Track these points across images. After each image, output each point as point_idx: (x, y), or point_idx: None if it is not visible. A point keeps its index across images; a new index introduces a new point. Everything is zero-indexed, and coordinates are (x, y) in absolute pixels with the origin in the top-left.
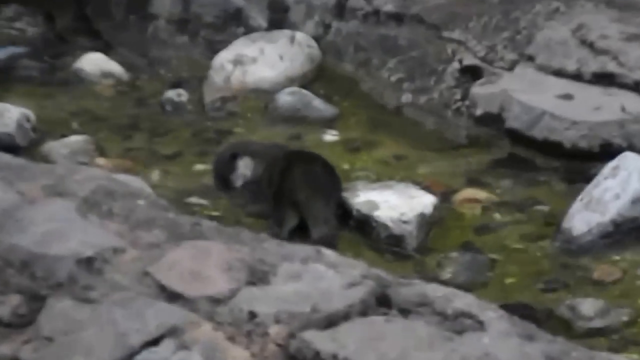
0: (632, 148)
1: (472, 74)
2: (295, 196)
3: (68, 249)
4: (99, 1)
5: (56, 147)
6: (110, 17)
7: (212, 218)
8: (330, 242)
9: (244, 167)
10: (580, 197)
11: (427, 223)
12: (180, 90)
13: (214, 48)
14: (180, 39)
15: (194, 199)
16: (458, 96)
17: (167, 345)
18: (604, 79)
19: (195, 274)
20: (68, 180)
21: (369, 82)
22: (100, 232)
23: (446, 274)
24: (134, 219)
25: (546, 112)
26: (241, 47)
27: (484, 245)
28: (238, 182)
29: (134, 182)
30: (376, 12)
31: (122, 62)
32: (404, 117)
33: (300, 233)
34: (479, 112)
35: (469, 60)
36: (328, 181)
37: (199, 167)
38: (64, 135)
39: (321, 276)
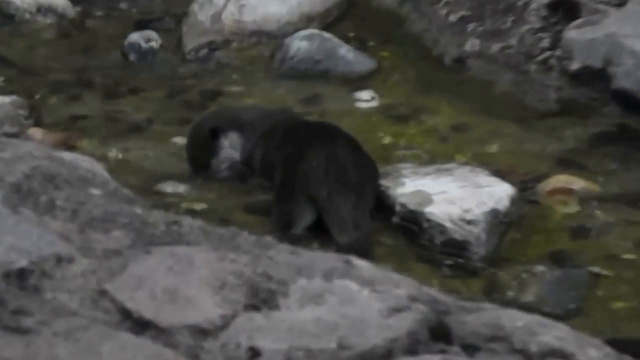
0: None
1: (565, 11)
2: (311, 190)
3: None
4: None
5: None
6: None
7: (195, 214)
8: (362, 250)
9: (230, 148)
10: None
11: (501, 223)
12: (150, 33)
13: None
14: None
15: (169, 187)
16: (545, 43)
17: None
18: None
19: (172, 294)
20: None
21: (418, 22)
22: (38, 234)
23: (529, 296)
24: (85, 216)
25: None
26: None
27: (582, 255)
28: (221, 169)
29: (85, 162)
30: None
31: None
32: (469, 72)
33: (320, 236)
34: (574, 66)
35: None
36: (358, 167)
37: (177, 141)
38: None
39: (352, 298)
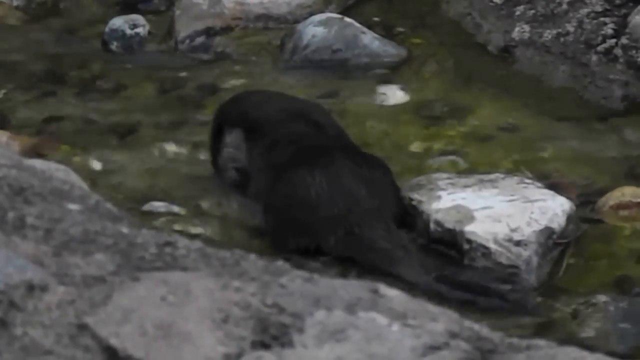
0: None
1: None
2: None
3: None
4: None
5: None
6: None
7: (192, 236)
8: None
9: (232, 148)
10: None
11: (555, 245)
12: (136, 17)
13: None
14: None
15: (160, 204)
16: (609, 30)
17: None
18: None
19: (165, 329)
20: None
21: (457, 4)
22: (5, 257)
23: (589, 331)
24: (61, 236)
25: None
26: None
27: None
28: (226, 171)
29: (60, 172)
30: None
31: None
32: (517, 64)
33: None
34: None
35: None
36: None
37: (169, 148)
38: None
39: (380, 334)
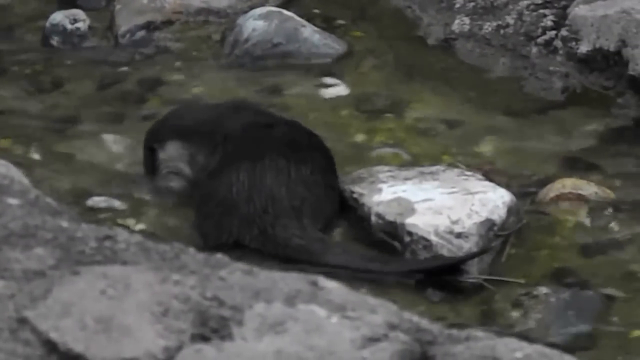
0: None
1: None
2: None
3: None
4: None
5: None
6: None
7: (132, 230)
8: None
9: (171, 160)
10: None
11: (496, 237)
12: (77, 12)
13: None
14: None
15: (101, 200)
16: (548, 22)
17: None
18: None
19: (105, 323)
20: None
21: None
22: None
23: (530, 322)
24: (1, 230)
25: None
26: None
27: (593, 275)
28: (169, 185)
29: (0, 167)
30: None
31: None
32: (457, 56)
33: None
34: (584, 48)
35: None
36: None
37: (110, 143)
38: None
39: (319, 326)
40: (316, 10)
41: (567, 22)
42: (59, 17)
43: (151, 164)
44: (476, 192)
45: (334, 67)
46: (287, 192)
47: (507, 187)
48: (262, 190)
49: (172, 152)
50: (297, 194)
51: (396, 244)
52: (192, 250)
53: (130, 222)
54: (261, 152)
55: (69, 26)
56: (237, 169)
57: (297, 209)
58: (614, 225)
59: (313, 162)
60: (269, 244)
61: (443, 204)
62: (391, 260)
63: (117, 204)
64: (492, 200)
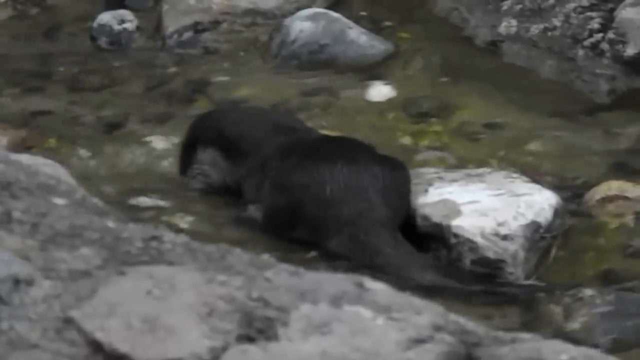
0: None
1: None
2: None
3: None
4: None
5: None
6: None
7: (178, 230)
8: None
9: (207, 164)
10: None
11: (542, 239)
12: (124, 13)
13: None
14: None
15: (147, 199)
16: (595, 24)
17: None
18: None
19: (151, 323)
20: None
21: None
22: None
23: (576, 324)
24: (48, 230)
25: None
26: None
27: (638, 277)
28: (193, 183)
29: (47, 167)
30: None
31: None
32: (504, 58)
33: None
34: (630, 51)
35: None
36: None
37: (157, 143)
38: None
39: (364, 327)
40: (363, 13)
41: (613, 24)
42: (106, 17)
43: (187, 161)
44: (522, 194)
45: (381, 69)
46: (383, 199)
47: (553, 189)
48: (359, 193)
49: (209, 157)
50: (391, 203)
51: (441, 244)
52: (238, 251)
53: (175, 221)
54: (354, 155)
55: (117, 27)
56: (332, 167)
57: (390, 218)
58: None
59: (398, 168)
60: (358, 249)
61: (489, 206)
62: (475, 281)
63: (162, 203)
64: (538, 203)
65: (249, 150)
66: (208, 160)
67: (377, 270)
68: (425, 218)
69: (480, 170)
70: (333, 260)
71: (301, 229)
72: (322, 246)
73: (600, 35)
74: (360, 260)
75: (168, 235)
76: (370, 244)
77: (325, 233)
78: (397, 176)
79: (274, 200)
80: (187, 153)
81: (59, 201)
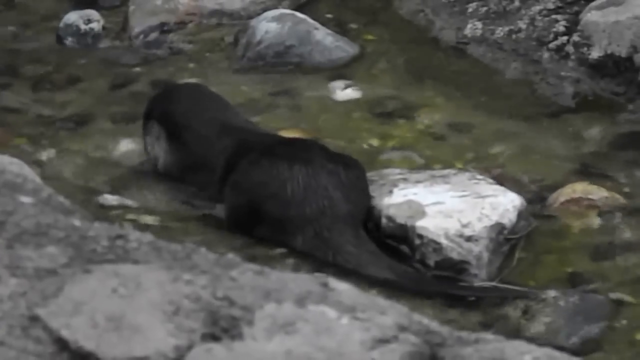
0: None
1: None
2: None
3: None
4: None
5: None
6: None
7: (144, 228)
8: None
9: (154, 143)
10: None
11: (506, 240)
12: (91, 13)
13: None
14: None
15: (113, 198)
16: (560, 27)
17: None
18: None
19: (117, 321)
20: None
21: (409, 1)
22: None
23: (538, 326)
24: (14, 229)
25: None
26: None
27: (602, 279)
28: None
29: (13, 166)
30: None
31: None
32: (469, 60)
33: (295, 252)
34: (595, 54)
35: None
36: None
37: (122, 142)
38: None
39: (329, 327)
40: (329, 15)
41: (579, 27)
42: (73, 17)
43: (145, 127)
44: (487, 196)
45: (347, 70)
46: (343, 195)
47: (517, 191)
48: (320, 191)
49: (155, 133)
50: (351, 199)
51: (405, 245)
52: (203, 250)
53: (141, 219)
54: (310, 155)
55: (83, 26)
56: (291, 166)
57: (352, 213)
58: (623, 230)
59: (356, 166)
60: (321, 247)
61: (454, 207)
62: (429, 281)
63: (128, 201)
64: (503, 204)
65: (193, 141)
66: (154, 136)
67: (339, 268)
68: (390, 219)
69: (445, 172)
70: (299, 257)
71: (264, 228)
72: (287, 244)
73: (566, 38)
74: (323, 257)
75: (134, 234)
76: (332, 241)
77: (290, 232)
78: (353, 173)
79: (235, 199)
80: (144, 125)
81: (25, 200)
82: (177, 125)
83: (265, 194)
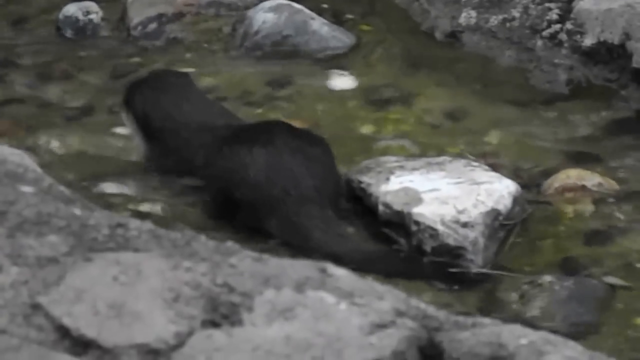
0: None
1: None
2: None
3: None
4: None
5: None
6: None
7: (144, 216)
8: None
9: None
10: None
11: (502, 226)
12: (90, 4)
13: None
14: None
15: (112, 186)
16: (553, 15)
17: None
18: None
19: (117, 309)
20: None
21: None
22: None
23: (534, 310)
24: (15, 218)
25: None
26: None
27: (597, 264)
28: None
29: (14, 156)
30: None
31: None
32: (463, 49)
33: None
34: (588, 41)
35: None
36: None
37: (122, 132)
38: None
39: (327, 312)
40: (325, 5)
41: (572, 15)
42: (72, 9)
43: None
44: (482, 183)
45: (343, 60)
46: (307, 172)
47: (512, 177)
48: (283, 171)
49: (129, 120)
50: (317, 175)
51: (404, 233)
52: (203, 237)
53: (141, 207)
54: (271, 135)
55: (82, 18)
56: (250, 149)
57: (318, 190)
58: (617, 215)
59: (319, 142)
60: (292, 230)
61: (449, 194)
62: (405, 263)
63: (128, 190)
64: (498, 191)
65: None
66: (128, 123)
67: (310, 251)
68: (387, 206)
69: (441, 159)
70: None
71: (243, 215)
72: (265, 230)
73: (559, 25)
74: (295, 241)
75: (134, 222)
76: (302, 227)
77: (263, 215)
78: (318, 149)
79: (210, 190)
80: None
81: (27, 189)
82: (149, 116)
83: (233, 182)
